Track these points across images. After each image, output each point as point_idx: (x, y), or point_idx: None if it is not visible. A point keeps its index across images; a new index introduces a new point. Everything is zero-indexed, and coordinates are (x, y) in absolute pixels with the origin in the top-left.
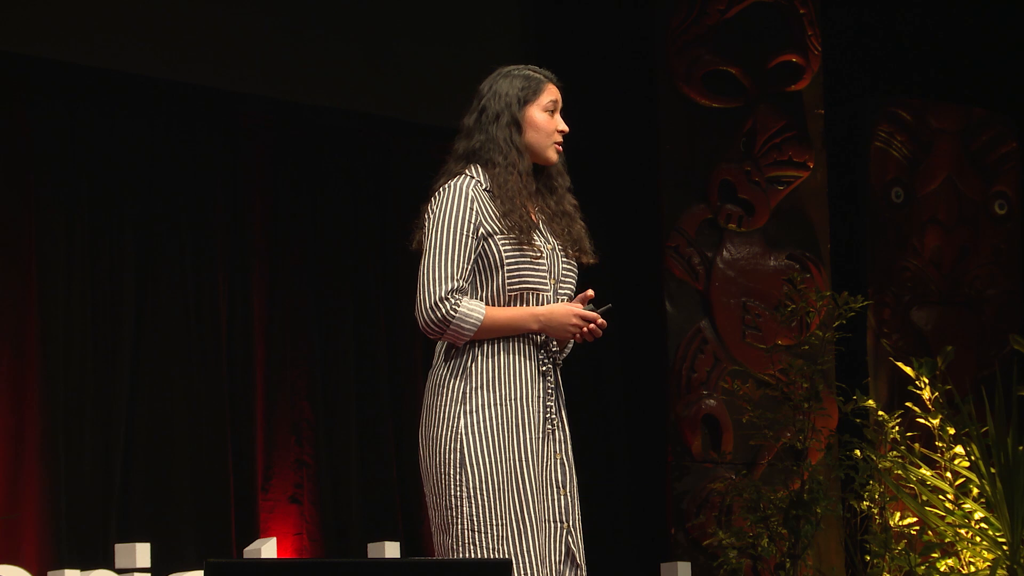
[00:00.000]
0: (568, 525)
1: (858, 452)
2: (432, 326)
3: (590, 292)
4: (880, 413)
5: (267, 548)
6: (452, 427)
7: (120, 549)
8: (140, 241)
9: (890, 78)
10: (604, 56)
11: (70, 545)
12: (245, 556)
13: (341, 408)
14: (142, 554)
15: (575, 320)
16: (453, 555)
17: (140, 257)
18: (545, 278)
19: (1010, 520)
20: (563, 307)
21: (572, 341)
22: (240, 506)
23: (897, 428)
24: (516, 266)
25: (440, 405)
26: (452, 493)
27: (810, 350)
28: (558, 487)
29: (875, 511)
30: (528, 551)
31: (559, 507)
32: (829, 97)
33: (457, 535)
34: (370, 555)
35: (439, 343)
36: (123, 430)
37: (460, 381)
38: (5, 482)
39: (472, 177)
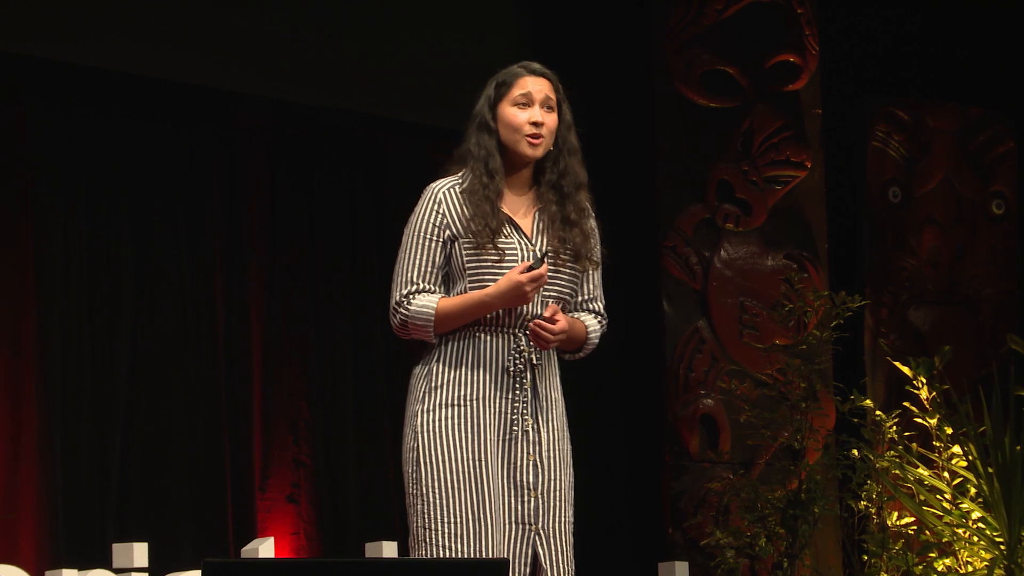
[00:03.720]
0: (537, 527)
1: (855, 452)
2: (397, 330)
3: (524, 263)
4: (878, 413)
5: (265, 548)
6: (412, 425)
7: (118, 549)
8: (137, 240)
9: (888, 78)
10: (601, 56)
11: (68, 545)
12: (243, 556)
13: (339, 408)
14: (140, 554)
15: (525, 286)
16: (413, 553)
17: (137, 256)
18: None
19: (1007, 520)
20: (507, 279)
21: (558, 348)
22: (237, 505)
23: (895, 428)
24: (475, 270)
25: (407, 403)
26: (410, 491)
27: (808, 350)
28: (528, 489)
29: (872, 511)
30: (481, 552)
31: (526, 510)
32: (827, 97)
33: (413, 533)
34: (368, 555)
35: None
36: (120, 430)
37: (423, 380)
38: (2, 482)
39: (454, 180)
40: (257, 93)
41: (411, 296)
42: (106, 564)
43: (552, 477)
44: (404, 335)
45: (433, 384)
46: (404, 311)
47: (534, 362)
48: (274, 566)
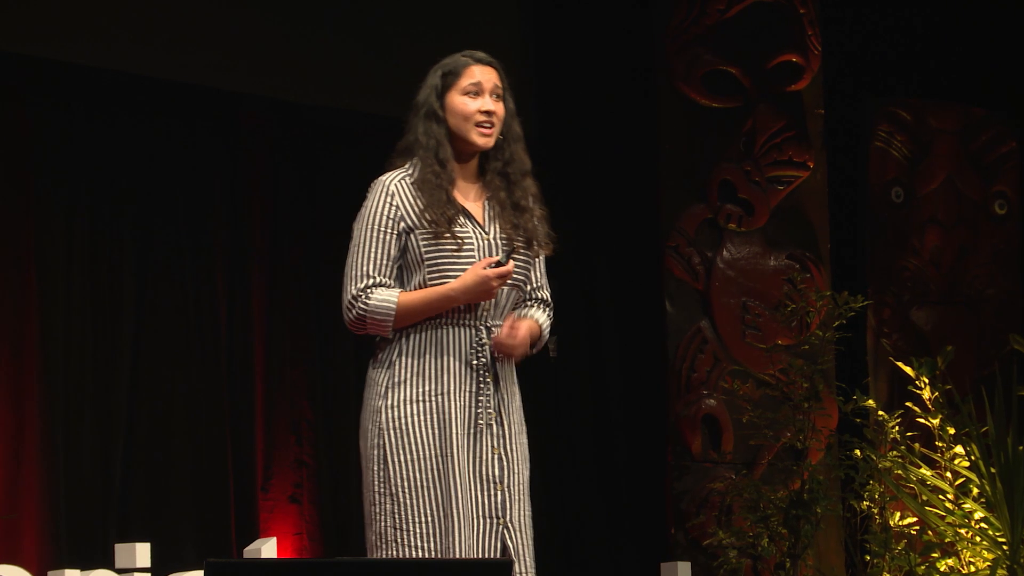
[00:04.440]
0: (505, 520)
1: (858, 452)
2: (352, 325)
3: (489, 259)
4: (880, 413)
5: (267, 548)
6: (375, 422)
7: (120, 549)
8: (139, 241)
9: (890, 78)
10: (603, 56)
11: (70, 545)
12: (245, 556)
13: (341, 407)
14: (142, 554)
15: (492, 281)
16: (377, 552)
17: (139, 256)
18: None
19: (1010, 520)
20: (471, 273)
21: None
22: (240, 506)
23: (897, 428)
24: (434, 261)
25: (367, 399)
26: (376, 490)
27: (810, 350)
28: (494, 483)
29: (875, 511)
30: (451, 549)
31: (494, 503)
32: (829, 97)
33: (380, 531)
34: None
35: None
36: (123, 430)
37: (385, 375)
38: (5, 482)
39: (403, 172)
40: (259, 93)
41: (368, 290)
42: (108, 564)
43: (516, 470)
44: (360, 330)
45: (397, 379)
46: (363, 305)
47: (495, 355)
48: (276, 566)
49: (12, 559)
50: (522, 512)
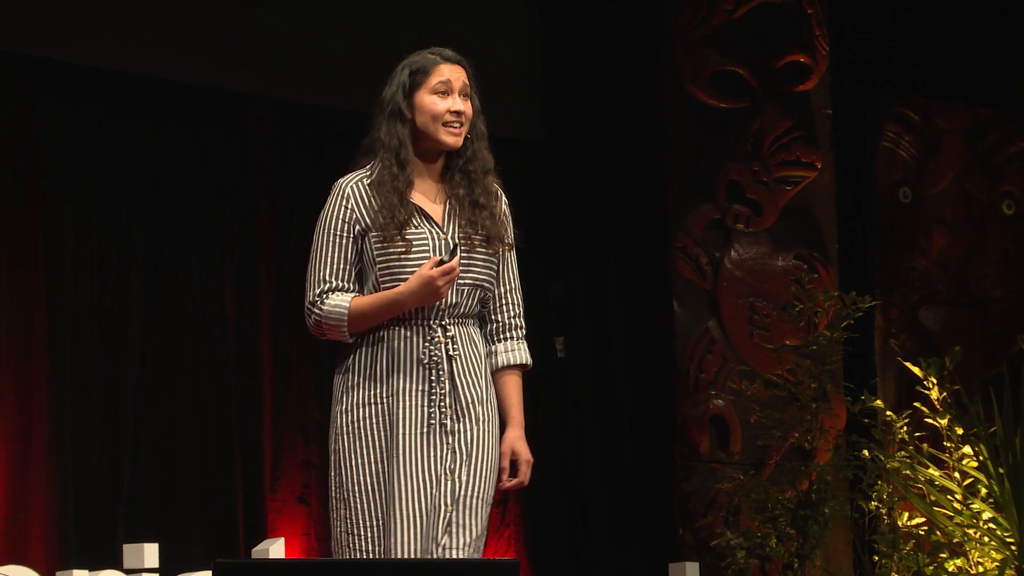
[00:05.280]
0: (452, 506)
1: (866, 452)
2: (313, 331)
3: (434, 259)
4: (888, 413)
5: (275, 548)
6: (333, 427)
7: (128, 549)
8: (147, 242)
9: (897, 78)
10: (611, 56)
11: (78, 545)
12: (253, 556)
13: None
14: (150, 554)
15: (437, 280)
16: (334, 555)
17: (147, 258)
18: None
19: (1018, 520)
20: (418, 276)
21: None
22: (248, 506)
23: (905, 428)
24: (384, 263)
25: (331, 404)
26: (332, 495)
27: (818, 350)
28: (446, 475)
29: (883, 511)
30: (391, 550)
31: (445, 492)
32: (837, 97)
33: (336, 536)
34: None
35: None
36: (131, 430)
37: (340, 380)
38: (13, 482)
39: (362, 173)
40: (265, 94)
41: (324, 295)
42: (117, 565)
43: (471, 460)
44: (320, 336)
45: (349, 384)
46: (317, 312)
47: (450, 353)
48: (284, 567)
49: (20, 559)
50: (474, 491)
